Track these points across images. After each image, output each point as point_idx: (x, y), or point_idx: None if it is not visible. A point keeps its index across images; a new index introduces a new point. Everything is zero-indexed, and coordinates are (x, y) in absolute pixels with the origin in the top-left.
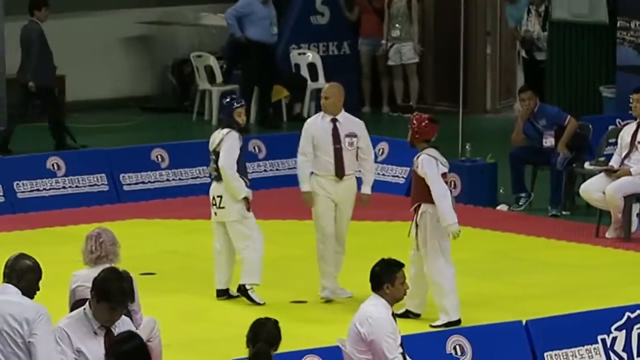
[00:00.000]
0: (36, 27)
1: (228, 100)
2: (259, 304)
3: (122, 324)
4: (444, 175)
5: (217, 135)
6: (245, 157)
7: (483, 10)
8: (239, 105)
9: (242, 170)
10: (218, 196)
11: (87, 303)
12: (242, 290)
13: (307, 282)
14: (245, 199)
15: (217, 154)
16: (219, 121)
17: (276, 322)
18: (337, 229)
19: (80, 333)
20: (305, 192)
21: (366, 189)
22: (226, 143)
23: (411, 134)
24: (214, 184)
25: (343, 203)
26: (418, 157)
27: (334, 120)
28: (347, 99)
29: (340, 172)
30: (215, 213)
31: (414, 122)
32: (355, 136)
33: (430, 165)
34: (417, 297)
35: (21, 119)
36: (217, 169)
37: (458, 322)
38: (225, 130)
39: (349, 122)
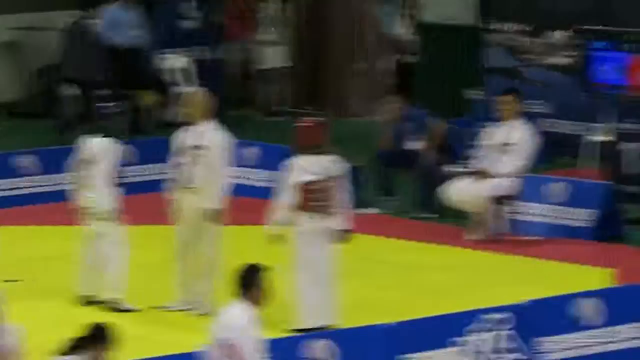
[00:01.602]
0: None
1: (102, 107)
2: (133, 310)
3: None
4: (312, 182)
5: (93, 144)
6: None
7: (352, 15)
8: (114, 112)
9: (115, 179)
10: (90, 206)
11: None
12: (112, 306)
13: (172, 288)
14: (115, 209)
15: (92, 163)
16: (91, 128)
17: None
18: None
19: None
20: None
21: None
22: (109, 154)
23: (298, 139)
24: (86, 193)
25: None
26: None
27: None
28: (214, 103)
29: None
30: (87, 222)
31: (301, 126)
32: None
33: (287, 171)
34: None
35: None
36: (89, 178)
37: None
38: (100, 138)
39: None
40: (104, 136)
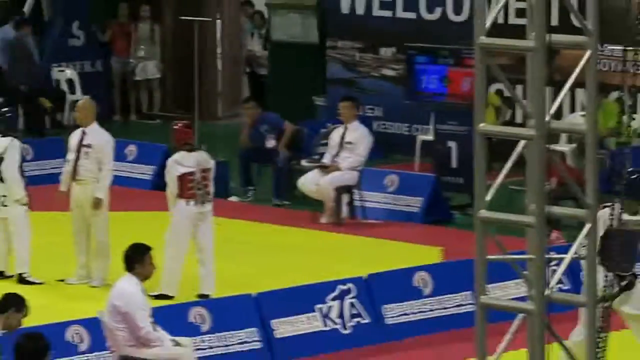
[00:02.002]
0: None
1: (7, 111)
2: (38, 283)
3: None
4: (188, 174)
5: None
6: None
7: (213, 33)
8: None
9: (22, 173)
10: (2, 195)
11: None
12: (21, 278)
13: (70, 265)
14: (22, 197)
15: (1, 159)
16: None
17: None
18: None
19: None
20: None
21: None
22: (10, 151)
23: (173, 139)
24: None
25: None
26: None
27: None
28: (100, 109)
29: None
30: None
31: (174, 128)
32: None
33: (168, 167)
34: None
35: None
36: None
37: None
38: (7, 139)
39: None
40: (3, 135)
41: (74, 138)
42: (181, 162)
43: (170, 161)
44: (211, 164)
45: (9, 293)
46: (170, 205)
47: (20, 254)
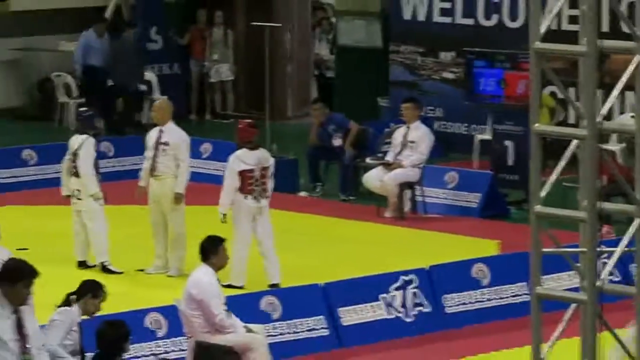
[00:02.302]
0: None
1: (85, 111)
2: (118, 272)
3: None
4: (247, 171)
5: (75, 140)
6: (98, 156)
7: (283, 38)
8: (89, 115)
9: (96, 169)
10: (77, 189)
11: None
12: (103, 267)
13: (149, 255)
14: (98, 192)
15: (76, 155)
16: (77, 128)
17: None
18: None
19: None
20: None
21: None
22: (85, 147)
23: (237, 137)
24: (73, 179)
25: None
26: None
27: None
28: (176, 109)
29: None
30: (75, 202)
31: (238, 127)
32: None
33: (230, 162)
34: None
35: None
36: (75, 167)
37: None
38: (84, 136)
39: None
40: (81, 133)
41: (151, 136)
42: (243, 159)
43: (232, 157)
44: (270, 162)
45: (86, 280)
46: (223, 197)
47: (98, 245)
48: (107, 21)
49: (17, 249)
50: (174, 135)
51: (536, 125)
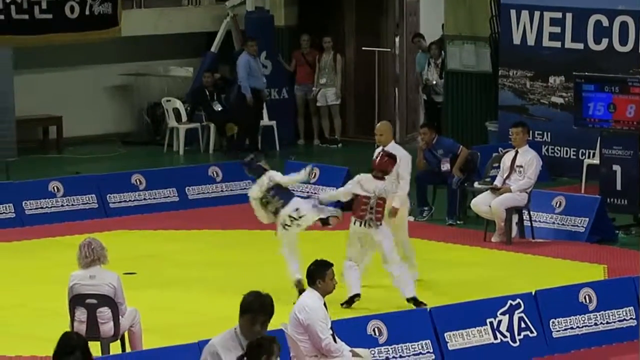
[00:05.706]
0: None
1: (251, 160)
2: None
3: None
4: (364, 197)
5: (264, 180)
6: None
7: (392, 62)
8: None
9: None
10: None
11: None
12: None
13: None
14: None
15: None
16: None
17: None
18: None
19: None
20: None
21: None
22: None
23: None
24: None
25: None
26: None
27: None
28: (285, 134)
29: None
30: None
31: (380, 154)
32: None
33: (352, 180)
34: None
35: None
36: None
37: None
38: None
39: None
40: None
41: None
42: (363, 185)
43: (357, 177)
44: (389, 195)
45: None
46: (327, 192)
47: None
48: (256, 40)
49: (125, 273)
50: (396, 153)
51: None
